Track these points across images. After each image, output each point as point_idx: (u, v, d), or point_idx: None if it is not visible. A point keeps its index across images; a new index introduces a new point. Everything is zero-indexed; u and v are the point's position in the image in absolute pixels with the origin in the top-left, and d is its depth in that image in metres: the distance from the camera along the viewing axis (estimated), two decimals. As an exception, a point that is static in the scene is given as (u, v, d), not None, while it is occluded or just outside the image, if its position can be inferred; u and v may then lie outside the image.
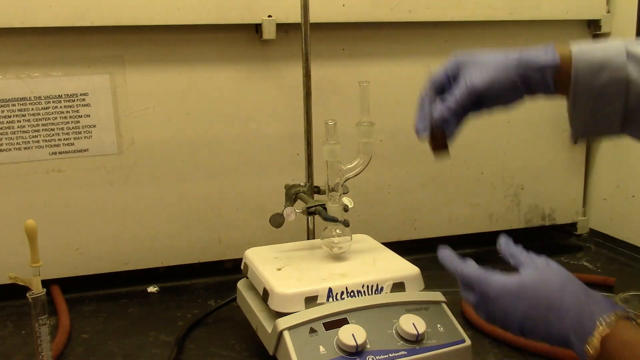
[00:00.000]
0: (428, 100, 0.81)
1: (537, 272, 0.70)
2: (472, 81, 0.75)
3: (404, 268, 0.99)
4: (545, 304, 0.66)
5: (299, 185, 1.13)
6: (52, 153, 1.24)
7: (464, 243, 1.52)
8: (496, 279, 0.71)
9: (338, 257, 1.03)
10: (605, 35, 1.50)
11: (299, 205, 1.09)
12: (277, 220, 1.07)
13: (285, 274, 0.97)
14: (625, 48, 0.73)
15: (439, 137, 0.82)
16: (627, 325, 0.61)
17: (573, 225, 1.63)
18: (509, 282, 0.70)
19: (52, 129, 1.23)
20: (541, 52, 0.76)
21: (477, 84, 0.76)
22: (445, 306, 0.94)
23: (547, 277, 0.69)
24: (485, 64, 0.77)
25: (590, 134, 0.79)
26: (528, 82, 0.77)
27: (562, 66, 0.75)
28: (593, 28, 1.51)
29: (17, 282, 0.85)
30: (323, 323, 0.87)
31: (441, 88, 0.80)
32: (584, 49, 0.75)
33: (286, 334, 0.85)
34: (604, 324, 0.61)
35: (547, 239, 1.60)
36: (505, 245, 0.78)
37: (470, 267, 0.76)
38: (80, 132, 1.25)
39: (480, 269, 0.74)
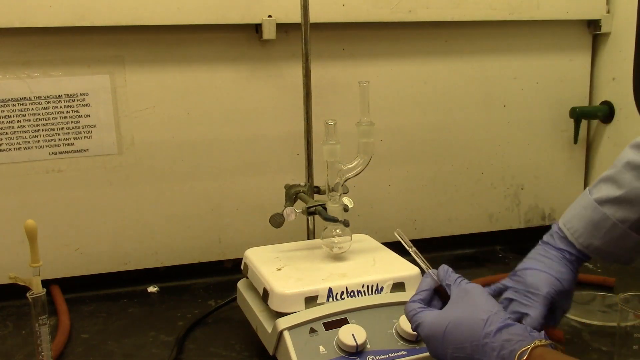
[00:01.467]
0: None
1: (461, 308, 0.74)
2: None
3: (404, 268, 0.99)
4: (471, 346, 0.70)
5: (299, 185, 1.13)
6: (52, 153, 1.24)
7: (464, 243, 1.52)
8: (425, 322, 0.75)
9: (338, 257, 1.03)
10: (605, 35, 1.51)
11: (299, 205, 1.09)
12: (277, 220, 1.07)
13: (285, 274, 0.97)
14: (591, 200, 0.94)
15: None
16: (544, 351, 0.65)
17: (573, 225, 1.63)
18: (434, 325, 0.74)
19: (52, 129, 1.23)
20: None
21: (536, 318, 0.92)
22: (445, 306, 0.94)
23: (470, 314, 0.72)
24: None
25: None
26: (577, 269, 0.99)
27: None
28: (593, 28, 1.51)
29: (17, 282, 0.85)
30: (323, 323, 0.87)
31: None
32: (570, 225, 0.96)
33: (286, 334, 0.85)
34: (519, 353, 0.66)
35: (547, 239, 1.60)
36: (443, 273, 0.80)
37: (408, 304, 0.79)
38: (80, 132, 1.25)
39: (418, 304, 0.78)
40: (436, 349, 0.74)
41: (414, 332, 0.81)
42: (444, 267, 0.81)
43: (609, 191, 0.92)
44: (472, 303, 0.73)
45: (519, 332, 0.68)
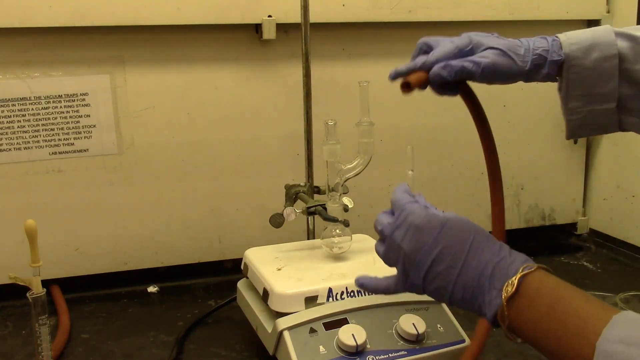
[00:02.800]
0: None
1: (455, 215, 0.66)
2: (495, 61, 0.74)
3: (404, 268, 0.98)
4: (468, 240, 0.62)
5: (299, 185, 1.13)
6: (52, 153, 1.24)
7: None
8: (423, 209, 0.67)
9: (338, 257, 1.03)
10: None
11: (299, 205, 1.09)
12: (277, 220, 1.07)
13: (285, 274, 0.97)
14: (611, 29, 0.75)
15: (419, 77, 0.76)
16: (547, 274, 0.59)
17: (573, 225, 1.63)
18: (437, 216, 0.65)
19: (52, 129, 1.23)
20: (545, 48, 0.77)
21: (502, 64, 0.75)
22: (445, 306, 0.94)
23: (466, 219, 0.65)
24: (496, 46, 0.75)
25: (587, 123, 0.79)
26: (533, 76, 0.78)
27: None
28: (593, 28, 1.51)
29: (17, 282, 0.85)
30: (323, 323, 0.87)
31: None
32: (570, 35, 0.77)
33: (286, 334, 0.85)
34: (527, 267, 0.59)
35: (547, 239, 1.60)
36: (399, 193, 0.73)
37: (399, 192, 0.71)
38: (80, 132, 1.25)
39: (409, 196, 0.70)
40: (425, 240, 0.63)
41: (414, 333, 0.81)
42: (399, 188, 0.74)
43: (630, 30, 0.76)
44: (451, 226, 0.64)
45: (513, 252, 0.61)
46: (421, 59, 0.77)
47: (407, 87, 0.76)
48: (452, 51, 0.75)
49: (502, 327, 0.59)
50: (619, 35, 0.76)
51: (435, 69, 0.74)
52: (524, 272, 0.58)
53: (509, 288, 0.58)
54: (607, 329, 0.50)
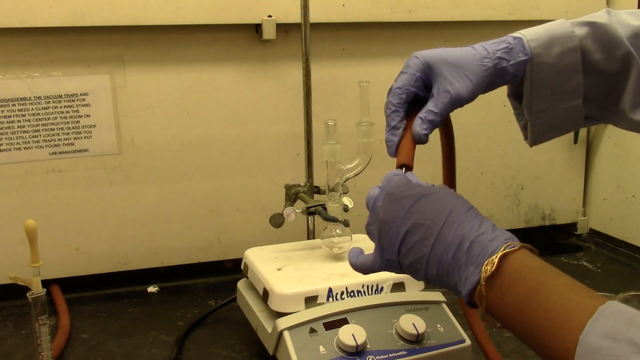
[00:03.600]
0: (398, 113, 0.76)
1: (440, 188, 0.65)
2: (457, 92, 0.71)
3: (404, 268, 0.99)
4: (445, 211, 0.59)
5: (299, 185, 1.13)
6: (52, 153, 1.24)
7: (464, 243, 1.52)
8: (404, 180, 0.66)
9: (338, 257, 1.03)
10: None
11: (299, 205, 1.09)
12: (277, 220, 1.07)
13: (285, 274, 0.97)
14: (566, 21, 0.73)
15: (409, 148, 0.75)
16: (529, 254, 0.55)
17: (573, 225, 1.63)
18: (417, 187, 0.64)
19: (52, 129, 1.23)
20: (511, 48, 0.74)
21: (463, 94, 0.72)
22: (445, 306, 0.94)
23: (451, 192, 0.63)
24: (463, 67, 0.73)
25: (553, 124, 0.75)
26: (501, 79, 0.76)
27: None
28: (593, 28, 1.51)
29: (17, 282, 0.85)
30: (323, 323, 0.87)
31: (412, 96, 0.75)
32: (525, 32, 0.74)
33: (286, 334, 0.85)
34: (509, 246, 0.54)
35: (547, 239, 1.60)
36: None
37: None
38: (80, 132, 1.25)
39: (398, 170, 0.70)
40: (395, 215, 0.60)
41: (414, 333, 0.81)
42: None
43: (587, 17, 0.75)
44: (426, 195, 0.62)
45: (497, 228, 0.58)
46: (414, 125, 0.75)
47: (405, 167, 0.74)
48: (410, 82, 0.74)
49: (479, 308, 0.55)
50: (576, 24, 0.72)
51: (417, 130, 0.73)
52: (505, 251, 0.54)
53: (488, 267, 0.53)
54: (592, 321, 0.47)
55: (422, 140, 0.73)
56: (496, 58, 0.73)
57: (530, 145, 0.77)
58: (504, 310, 0.53)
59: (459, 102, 0.72)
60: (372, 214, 0.65)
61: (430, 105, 0.72)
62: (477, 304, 0.55)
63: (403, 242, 0.60)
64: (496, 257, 0.54)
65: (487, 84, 0.74)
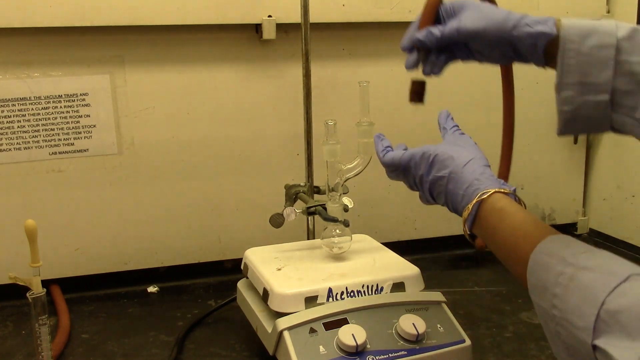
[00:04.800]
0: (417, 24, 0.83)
1: (450, 147, 0.81)
2: (464, 23, 0.77)
3: (404, 268, 0.99)
4: (449, 175, 0.76)
5: (299, 185, 1.13)
6: (52, 153, 1.24)
7: (464, 243, 1.52)
8: (417, 152, 0.82)
9: (338, 257, 1.03)
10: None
11: (299, 205, 1.09)
12: (277, 220, 1.07)
13: (285, 274, 0.97)
14: (614, 22, 0.74)
15: (418, 85, 0.86)
16: (502, 197, 0.71)
17: (573, 225, 1.63)
18: (427, 153, 0.80)
19: (52, 129, 1.23)
20: (540, 21, 0.78)
21: (468, 26, 0.77)
22: (445, 306, 0.94)
23: (456, 153, 0.78)
24: (485, 13, 0.78)
25: (579, 116, 0.77)
26: (518, 48, 0.78)
27: (556, 39, 0.76)
28: (593, 28, 1.51)
29: (17, 282, 0.85)
30: (323, 323, 0.87)
31: (437, 18, 0.82)
32: (573, 20, 0.76)
33: (286, 334, 0.85)
34: (480, 194, 0.72)
35: (547, 239, 1.60)
36: (443, 119, 0.90)
37: (389, 155, 0.87)
38: (80, 132, 1.25)
39: (398, 152, 0.85)
40: (419, 173, 0.80)
41: (414, 333, 0.81)
42: (444, 112, 0.89)
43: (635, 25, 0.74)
44: (463, 145, 0.81)
45: (491, 178, 0.75)
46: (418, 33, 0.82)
47: (416, 97, 0.86)
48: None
49: (466, 237, 0.74)
50: (622, 27, 0.73)
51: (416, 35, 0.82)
52: (479, 199, 0.71)
53: (465, 212, 0.72)
54: (541, 243, 0.63)
55: (409, 46, 0.84)
56: (522, 23, 0.77)
57: (558, 134, 0.80)
58: (483, 237, 0.72)
59: (461, 32, 0.78)
60: (409, 164, 0.83)
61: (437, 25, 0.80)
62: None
63: (432, 186, 0.79)
64: (471, 205, 0.72)
65: (501, 42, 0.78)
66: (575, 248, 0.62)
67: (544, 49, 0.76)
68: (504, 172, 0.99)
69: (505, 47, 0.78)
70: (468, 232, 0.74)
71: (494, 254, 0.71)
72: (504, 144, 1.02)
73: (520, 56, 0.79)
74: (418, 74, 0.83)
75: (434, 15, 0.81)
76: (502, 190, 0.72)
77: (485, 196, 0.72)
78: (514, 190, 0.74)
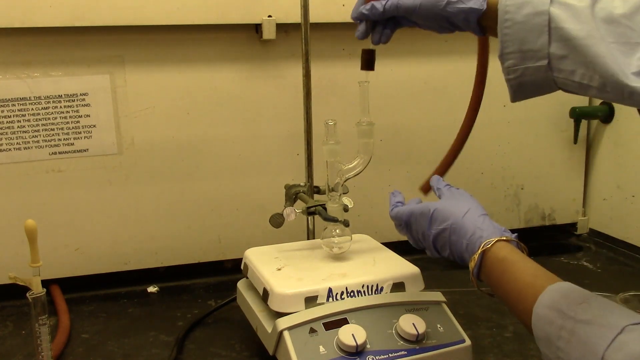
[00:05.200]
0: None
1: (448, 201, 0.85)
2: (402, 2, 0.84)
3: (404, 268, 0.99)
4: (450, 227, 0.80)
5: (299, 185, 1.13)
6: (52, 153, 1.24)
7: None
8: (416, 207, 0.86)
9: (338, 257, 1.03)
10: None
11: (299, 205, 1.09)
12: (277, 220, 1.07)
13: (285, 274, 0.97)
14: None
15: (368, 53, 0.94)
16: (505, 245, 0.75)
17: (573, 225, 1.63)
18: (426, 209, 0.83)
19: (52, 129, 1.23)
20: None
21: (406, 3, 0.84)
22: (445, 306, 0.94)
23: (454, 206, 0.82)
24: None
25: (525, 82, 0.81)
26: (453, 21, 0.84)
27: (491, 12, 0.81)
28: (593, 28, 1.51)
29: (17, 282, 0.85)
30: (323, 323, 0.87)
31: None
32: None
33: (286, 334, 0.85)
34: (484, 243, 0.75)
35: (547, 239, 1.60)
36: (435, 181, 0.93)
37: (394, 211, 0.89)
38: (80, 132, 1.25)
39: (403, 208, 0.88)
40: (421, 229, 0.84)
41: (414, 333, 0.81)
42: (435, 177, 0.94)
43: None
44: (460, 198, 0.86)
45: (491, 226, 0.78)
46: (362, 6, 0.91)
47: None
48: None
49: (475, 285, 0.77)
50: (553, 2, 0.78)
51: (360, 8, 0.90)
52: (483, 249, 0.75)
53: (471, 263, 0.75)
54: (541, 295, 0.65)
55: (357, 18, 0.91)
56: (455, 0, 0.83)
57: (511, 102, 0.85)
58: (490, 285, 0.75)
59: (399, 8, 0.85)
60: (408, 223, 0.87)
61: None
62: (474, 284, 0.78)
63: (435, 240, 0.82)
64: (476, 255, 0.75)
65: (436, 15, 0.84)
66: (572, 298, 0.63)
67: (480, 21, 0.83)
68: (448, 161, 1.04)
69: (441, 21, 0.84)
70: (476, 281, 0.76)
71: (502, 302, 0.73)
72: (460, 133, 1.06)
73: (458, 27, 0.85)
74: (369, 43, 0.92)
75: None
76: (504, 238, 0.75)
77: (489, 245, 0.75)
78: (516, 236, 0.77)
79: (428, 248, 0.84)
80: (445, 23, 0.85)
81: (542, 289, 0.66)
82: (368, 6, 0.88)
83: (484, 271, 0.75)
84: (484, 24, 0.84)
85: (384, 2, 0.86)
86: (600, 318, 0.60)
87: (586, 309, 0.62)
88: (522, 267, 0.71)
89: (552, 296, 0.65)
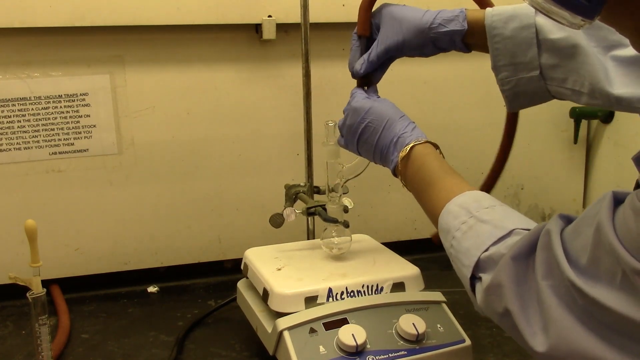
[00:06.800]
0: (355, 48, 0.97)
1: (384, 101, 0.89)
2: (386, 42, 0.88)
3: (404, 268, 0.99)
4: (386, 118, 0.85)
5: (299, 185, 1.13)
6: (52, 153, 1.24)
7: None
8: (362, 95, 0.91)
9: (338, 257, 1.03)
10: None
11: (299, 205, 1.09)
12: (277, 220, 1.07)
13: (285, 274, 0.97)
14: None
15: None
16: (433, 148, 0.82)
17: (573, 225, 1.63)
18: (368, 100, 0.89)
19: (52, 129, 1.23)
20: (451, 18, 0.85)
21: (390, 45, 0.88)
22: (445, 306, 0.94)
23: (391, 105, 0.88)
24: (402, 23, 0.87)
25: (519, 92, 0.85)
26: (439, 45, 0.87)
27: (474, 29, 0.83)
28: (593, 28, 1.51)
29: (17, 282, 0.85)
30: (323, 323, 0.87)
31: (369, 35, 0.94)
32: (496, 7, 0.83)
33: (286, 334, 0.85)
34: (418, 139, 0.82)
35: (547, 239, 1.60)
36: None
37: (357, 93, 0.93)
38: (80, 132, 1.25)
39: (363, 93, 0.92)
40: (355, 120, 0.88)
41: (414, 333, 0.81)
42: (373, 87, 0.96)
43: None
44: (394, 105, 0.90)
45: (420, 132, 0.85)
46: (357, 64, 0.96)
47: None
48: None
49: (398, 178, 0.84)
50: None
51: (357, 67, 0.96)
52: (414, 143, 0.81)
53: (402, 153, 0.81)
54: (457, 196, 0.72)
55: (358, 74, 0.95)
56: (436, 24, 0.85)
57: (508, 112, 0.91)
58: (409, 178, 0.81)
59: (388, 51, 0.89)
60: (344, 119, 0.92)
61: (371, 50, 0.92)
62: (396, 175, 0.84)
63: (360, 137, 0.88)
64: (408, 147, 0.82)
65: (422, 44, 0.87)
66: (482, 203, 0.71)
67: (464, 39, 0.85)
68: (490, 183, 1.04)
69: (428, 47, 0.88)
70: (397, 168, 0.83)
71: (412, 191, 0.81)
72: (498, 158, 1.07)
73: (444, 49, 0.88)
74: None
75: (368, 23, 0.94)
76: (432, 141, 0.83)
77: (421, 141, 0.82)
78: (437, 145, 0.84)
79: (351, 138, 0.89)
80: (432, 47, 0.88)
81: (460, 191, 0.73)
82: (360, 65, 0.93)
83: (407, 164, 0.81)
84: (469, 42, 0.86)
85: (373, 54, 0.91)
86: (498, 221, 0.67)
87: (489, 212, 0.69)
88: (448, 170, 0.78)
89: (466, 199, 0.72)
